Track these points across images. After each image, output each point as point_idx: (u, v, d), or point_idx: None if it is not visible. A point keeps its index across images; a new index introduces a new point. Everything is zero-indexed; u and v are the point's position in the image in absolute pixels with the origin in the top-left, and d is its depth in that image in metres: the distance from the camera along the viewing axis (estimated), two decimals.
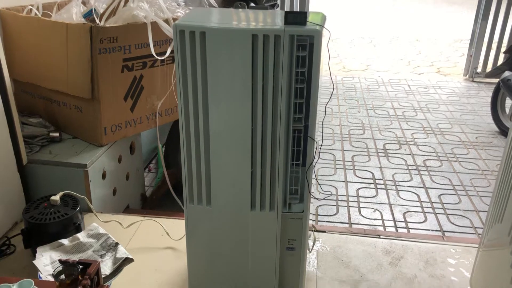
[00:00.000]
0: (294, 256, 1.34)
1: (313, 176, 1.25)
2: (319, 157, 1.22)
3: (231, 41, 1.10)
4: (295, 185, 1.26)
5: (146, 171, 2.69)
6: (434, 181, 2.72)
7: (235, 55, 1.11)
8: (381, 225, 2.29)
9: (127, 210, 2.12)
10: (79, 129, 1.95)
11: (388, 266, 1.58)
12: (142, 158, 2.32)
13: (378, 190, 2.62)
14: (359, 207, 2.44)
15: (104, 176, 1.90)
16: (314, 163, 1.23)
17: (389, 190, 2.62)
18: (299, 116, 1.17)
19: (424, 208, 2.44)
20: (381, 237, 1.73)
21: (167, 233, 1.66)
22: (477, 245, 1.47)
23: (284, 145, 1.20)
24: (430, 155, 3.04)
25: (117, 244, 1.48)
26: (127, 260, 1.44)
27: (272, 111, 1.16)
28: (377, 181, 2.71)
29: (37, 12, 1.98)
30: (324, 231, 1.74)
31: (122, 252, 1.45)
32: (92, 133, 1.89)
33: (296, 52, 1.10)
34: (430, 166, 2.90)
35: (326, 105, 1.50)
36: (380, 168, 2.87)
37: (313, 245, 1.61)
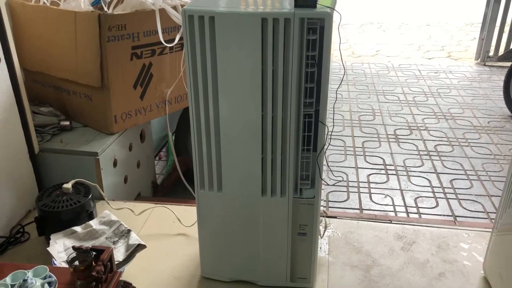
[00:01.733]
0: (305, 242, 1.34)
1: (324, 162, 1.25)
2: (329, 142, 1.21)
3: (240, 25, 1.09)
4: (306, 171, 1.25)
5: (157, 159, 2.70)
6: (445, 166, 2.70)
7: (245, 39, 1.10)
8: (392, 211, 2.28)
9: (139, 197, 2.13)
10: (89, 118, 1.96)
11: (400, 251, 1.57)
12: (152, 146, 2.33)
13: (389, 176, 2.60)
14: (370, 193, 2.43)
15: (115, 164, 1.91)
16: (325, 149, 1.22)
17: (400, 176, 2.60)
18: (310, 101, 1.16)
19: (436, 193, 2.43)
20: (392, 222, 1.72)
21: (179, 220, 1.67)
22: (490, 230, 1.46)
23: (295, 130, 1.19)
24: (441, 140, 3.02)
25: (129, 231, 1.49)
26: (140, 247, 1.44)
27: (283, 96, 1.15)
28: (388, 167, 2.69)
29: (46, 1, 1.98)
30: (335, 217, 1.74)
31: (134, 239, 1.46)
32: (103, 122, 1.90)
33: (307, 36, 1.08)
34: (442, 151, 2.88)
35: (337, 89, 1.48)
36: (391, 153, 2.85)
37: (325, 230, 1.61)
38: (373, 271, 1.48)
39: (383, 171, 2.65)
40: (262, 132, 1.21)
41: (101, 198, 1.75)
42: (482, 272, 1.46)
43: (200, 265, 1.44)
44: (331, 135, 1.21)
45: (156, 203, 1.81)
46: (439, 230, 1.67)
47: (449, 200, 2.38)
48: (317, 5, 1.07)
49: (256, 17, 1.07)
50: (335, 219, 1.72)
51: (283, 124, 1.19)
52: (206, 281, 1.44)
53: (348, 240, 1.62)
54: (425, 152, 2.87)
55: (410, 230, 1.67)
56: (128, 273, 1.41)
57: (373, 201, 2.37)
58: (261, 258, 1.37)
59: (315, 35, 1.08)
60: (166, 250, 1.56)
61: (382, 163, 2.73)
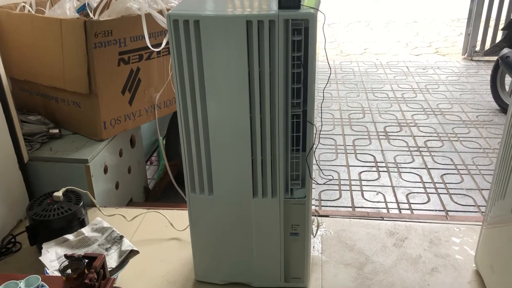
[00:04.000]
0: (298, 242, 1.34)
1: (314, 161, 1.25)
2: (319, 142, 1.22)
3: (225, 28, 1.09)
4: (296, 171, 1.26)
5: (148, 164, 2.69)
6: (436, 162, 2.72)
7: (230, 42, 1.10)
8: (384, 208, 2.30)
9: (131, 203, 2.13)
10: (78, 125, 1.95)
11: (392, 247, 1.58)
12: (143, 151, 2.33)
13: (380, 173, 2.62)
14: (361, 191, 2.45)
15: (106, 170, 1.90)
16: (314, 148, 1.23)
17: (391, 173, 2.62)
18: (297, 101, 1.17)
19: (427, 189, 2.45)
20: (384, 219, 1.73)
21: (171, 224, 1.67)
22: (480, 223, 1.47)
23: (284, 131, 1.20)
24: (431, 136, 3.04)
25: (121, 237, 1.49)
26: (133, 253, 1.44)
27: (270, 97, 1.16)
28: (378, 164, 2.71)
29: (30, 9, 1.97)
30: (327, 216, 1.75)
31: (127, 245, 1.45)
32: (92, 128, 1.89)
33: (292, 37, 1.09)
34: (432, 147, 2.90)
35: (324, 89, 1.49)
36: (382, 151, 2.87)
37: (317, 229, 1.62)
38: (366, 269, 1.49)
39: (374, 169, 2.67)
40: (251, 133, 1.21)
41: (92, 205, 1.74)
42: (474, 265, 1.47)
43: (193, 269, 1.44)
44: (319, 134, 1.21)
45: (148, 208, 1.81)
46: (431, 225, 1.69)
47: (440, 195, 2.39)
48: (301, 6, 1.08)
49: (240, 20, 1.08)
50: (327, 218, 1.73)
51: (272, 125, 1.19)
52: (200, 285, 1.44)
53: (341, 238, 1.63)
54: (415, 148, 2.89)
55: (402, 226, 1.68)
56: (121, 280, 1.41)
57: (365, 199, 2.38)
58: (255, 260, 1.37)
59: (300, 36, 1.09)
60: (159, 255, 1.56)
61: (373, 161, 2.75)
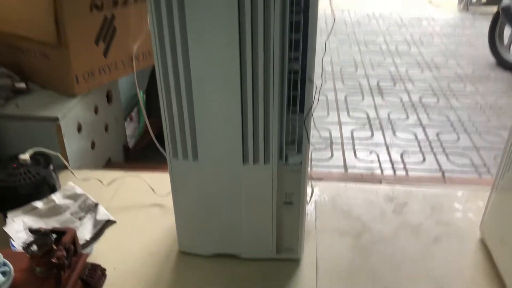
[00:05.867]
0: (292, 211, 1.21)
1: (312, 124, 1.11)
2: (318, 101, 1.07)
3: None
4: (292, 135, 1.11)
5: (128, 121, 2.52)
6: (431, 119, 2.61)
7: None
8: (378, 168, 2.19)
9: (109, 164, 1.98)
10: (48, 79, 1.76)
11: (391, 214, 1.47)
12: (121, 107, 2.15)
13: (374, 130, 2.50)
14: (354, 150, 2.33)
15: (79, 129, 1.73)
16: (313, 109, 1.08)
17: (385, 130, 2.50)
18: (295, 55, 1.00)
19: (422, 148, 2.34)
20: (382, 183, 1.61)
21: (152, 189, 1.53)
22: (484, 188, 1.36)
23: (279, 89, 1.04)
24: (426, 92, 2.91)
25: (97, 204, 1.35)
26: (109, 222, 1.31)
27: (264, 49, 0.99)
28: (372, 121, 2.58)
29: None
30: (321, 179, 1.62)
31: (102, 214, 1.32)
32: (63, 83, 1.71)
33: None
34: (427, 103, 2.78)
35: (326, 40, 1.33)
36: (375, 107, 2.74)
37: (311, 196, 1.49)
38: (363, 238, 1.38)
39: (367, 126, 2.54)
40: (241, 91, 1.05)
41: (65, 167, 1.58)
42: (479, 233, 1.37)
43: (177, 239, 1.32)
44: (319, 93, 1.06)
45: (127, 171, 1.66)
46: (432, 190, 1.58)
47: (436, 154, 2.29)
48: None
49: None
50: (321, 182, 1.61)
51: (265, 82, 1.03)
52: (184, 256, 1.31)
53: (336, 204, 1.51)
54: (410, 104, 2.77)
55: (401, 191, 1.57)
56: (97, 252, 1.28)
57: (358, 158, 2.26)
58: (244, 230, 1.25)
59: None
60: (139, 224, 1.43)
61: (366, 117, 2.62)
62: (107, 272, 1.23)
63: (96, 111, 1.85)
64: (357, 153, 2.28)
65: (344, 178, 1.66)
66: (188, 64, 1.02)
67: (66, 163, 1.57)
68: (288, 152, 1.13)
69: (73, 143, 1.68)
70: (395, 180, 1.67)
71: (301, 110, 1.08)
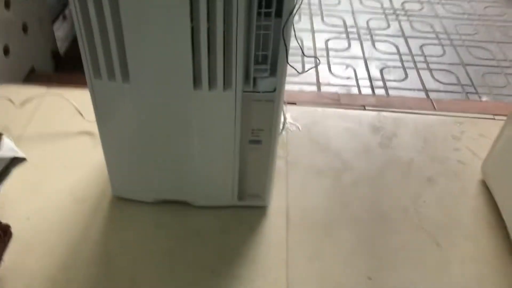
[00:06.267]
0: (259, 151, 0.93)
1: (293, 35, 0.79)
2: (301, 3, 0.74)
3: None
4: (263, 50, 0.79)
5: (60, 20, 2.08)
6: (414, 28, 2.30)
7: None
8: (355, 86, 1.90)
9: (32, 75, 1.59)
10: None
11: (377, 148, 1.22)
12: (46, 2, 1.72)
13: (351, 40, 2.18)
14: (328, 63, 2.02)
15: None
16: (295, 11, 0.75)
17: (363, 41, 2.18)
18: None
19: (404, 63, 2.06)
20: (366, 108, 1.34)
21: (80, 113, 1.20)
22: (483, 115, 1.12)
23: None
24: None
25: (0, 135, 1.01)
26: (17, 160, 0.98)
27: None
28: (349, 30, 2.25)
29: None
30: (294, 104, 1.33)
31: (8, 148, 0.99)
32: None
33: None
34: (410, 10, 2.45)
35: None
36: (353, 13, 2.39)
37: (283, 127, 1.20)
38: (344, 177, 1.13)
39: (343, 35, 2.21)
40: None
41: None
42: (480, 175, 1.15)
43: (109, 181, 1.02)
44: None
45: (50, 87, 1.30)
46: (425, 117, 1.32)
47: (419, 70, 2.02)
48: None
49: None
50: (294, 107, 1.31)
51: None
52: (120, 203, 1.03)
53: (312, 135, 1.24)
54: (391, 11, 2.43)
55: (389, 119, 1.31)
56: (7, 197, 0.98)
57: (332, 74, 1.97)
58: (197, 173, 0.96)
59: None
60: (62, 159, 1.11)
61: (342, 25, 2.28)
62: (18, 225, 0.94)
63: (7, 5, 1.43)
64: (332, 67, 1.99)
65: (320, 100, 1.38)
66: None
67: None
68: (257, 74, 0.81)
69: None
70: (380, 104, 1.39)
71: (278, 13, 0.75)
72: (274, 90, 0.82)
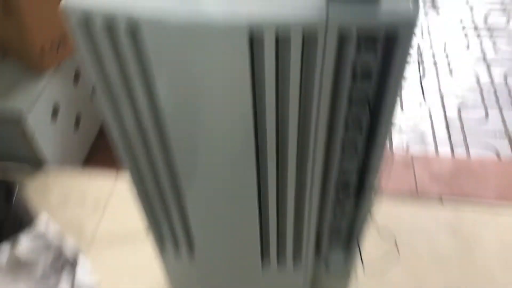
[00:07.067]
0: None
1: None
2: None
3: (202, 44, 0.46)
4: (337, 224, 0.74)
5: None
6: (498, 50, 2.09)
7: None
8: (430, 132, 1.77)
9: (98, 144, 1.60)
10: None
11: None
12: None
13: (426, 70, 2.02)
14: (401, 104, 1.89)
15: (56, 111, 1.35)
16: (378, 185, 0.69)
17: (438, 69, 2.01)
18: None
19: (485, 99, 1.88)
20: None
21: None
22: None
23: (322, 160, 0.63)
24: (492, 5, 2.33)
25: (75, 261, 1.03)
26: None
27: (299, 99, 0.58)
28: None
29: None
30: None
31: (83, 277, 1.01)
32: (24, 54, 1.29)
33: (356, 56, 0.46)
34: (493, 24, 2.22)
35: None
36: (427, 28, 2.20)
37: None
38: None
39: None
40: (258, 165, 0.66)
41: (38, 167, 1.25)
42: None
43: None
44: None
45: (119, 170, 1.31)
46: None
47: (501, 108, 1.84)
48: None
49: (237, 33, 0.44)
50: None
51: (303, 147, 0.63)
52: None
53: None
54: (472, 26, 2.22)
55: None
56: None
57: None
58: None
59: (372, 54, 0.46)
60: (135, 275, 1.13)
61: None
62: None
63: (76, 79, 1.44)
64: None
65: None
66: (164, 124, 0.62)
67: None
68: (331, 253, 0.76)
69: (47, 135, 1.32)
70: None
71: (359, 195, 0.69)
72: (347, 266, 0.78)
